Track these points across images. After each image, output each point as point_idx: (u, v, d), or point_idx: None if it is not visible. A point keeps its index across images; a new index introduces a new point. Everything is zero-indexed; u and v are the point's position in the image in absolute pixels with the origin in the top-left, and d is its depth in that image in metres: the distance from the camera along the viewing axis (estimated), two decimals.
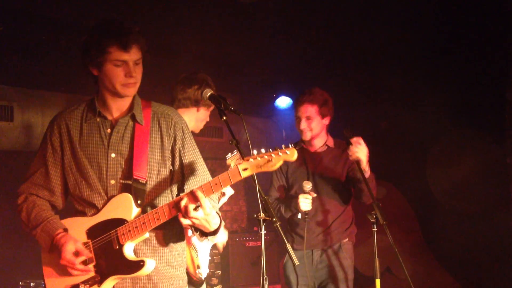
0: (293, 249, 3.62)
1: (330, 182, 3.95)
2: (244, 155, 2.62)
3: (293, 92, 6.58)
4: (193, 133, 3.37)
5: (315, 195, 3.79)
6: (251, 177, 2.45)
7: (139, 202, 2.47)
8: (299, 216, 3.83)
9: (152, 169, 2.54)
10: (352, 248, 4.04)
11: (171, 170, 2.59)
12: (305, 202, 3.73)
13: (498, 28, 4.96)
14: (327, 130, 4.06)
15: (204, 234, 2.45)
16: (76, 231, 2.50)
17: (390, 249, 3.43)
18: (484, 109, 5.24)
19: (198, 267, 3.29)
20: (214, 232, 2.43)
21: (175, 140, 2.59)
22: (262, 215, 2.48)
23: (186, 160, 2.60)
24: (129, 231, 2.42)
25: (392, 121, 5.98)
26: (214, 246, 3.62)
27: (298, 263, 2.40)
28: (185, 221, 2.34)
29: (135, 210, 2.46)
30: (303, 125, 3.89)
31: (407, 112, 5.62)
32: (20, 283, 3.89)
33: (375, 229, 3.50)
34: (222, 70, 5.77)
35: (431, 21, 5.05)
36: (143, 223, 2.41)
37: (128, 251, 2.44)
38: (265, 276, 2.44)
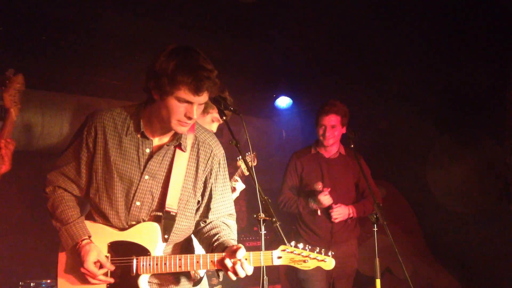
0: (308, 243, 4.05)
1: (341, 186, 4.41)
2: (243, 155, 2.64)
3: (293, 92, 6.58)
4: None
5: (329, 189, 4.21)
6: (250, 177, 2.47)
7: (166, 236, 2.46)
8: (319, 212, 4.32)
9: (182, 198, 2.51)
10: (357, 245, 4.54)
11: (198, 201, 2.59)
12: (326, 199, 4.18)
13: (498, 28, 4.96)
14: (340, 139, 4.46)
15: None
16: (99, 240, 2.47)
17: (390, 249, 3.44)
18: (484, 109, 5.24)
19: None
20: None
21: (210, 173, 2.57)
22: (262, 215, 2.48)
23: (216, 194, 2.59)
24: (149, 265, 2.42)
25: (392, 121, 5.98)
26: None
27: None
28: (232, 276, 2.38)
29: (160, 245, 2.47)
30: (329, 132, 4.31)
31: (407, 112, 5.62)
32: (20, 283, 3.86)
33: (375, 229, 3.53)
34: (222, 70, 5.74)
35: (431, 21, 5.04)
36: (165, 264, 2.41)
37: (143, 282, 2.44)
38: (265, 276, 2.44)
